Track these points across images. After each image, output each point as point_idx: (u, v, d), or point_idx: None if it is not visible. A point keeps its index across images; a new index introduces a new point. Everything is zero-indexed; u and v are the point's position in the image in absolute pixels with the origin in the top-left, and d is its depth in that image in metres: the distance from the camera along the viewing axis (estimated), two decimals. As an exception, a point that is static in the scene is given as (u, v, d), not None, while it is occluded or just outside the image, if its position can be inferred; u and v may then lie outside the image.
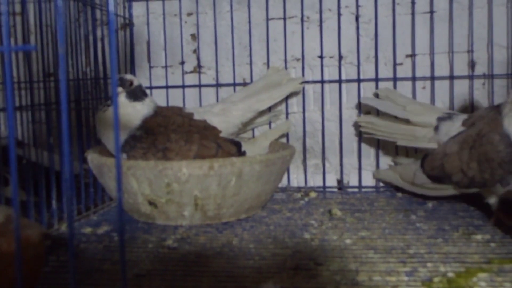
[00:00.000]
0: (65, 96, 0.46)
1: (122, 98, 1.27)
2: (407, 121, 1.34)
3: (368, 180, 1.51)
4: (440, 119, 1.26)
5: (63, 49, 0.47)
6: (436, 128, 1.26)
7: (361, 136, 1.48)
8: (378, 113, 1.44)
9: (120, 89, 1.26)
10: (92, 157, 1.20)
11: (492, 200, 1.15)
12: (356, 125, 1.48)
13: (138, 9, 1.60)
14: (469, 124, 1.19)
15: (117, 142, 0.50)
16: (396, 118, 1.37)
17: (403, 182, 1.36)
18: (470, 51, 1.45)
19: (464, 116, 1.23)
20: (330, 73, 1.52)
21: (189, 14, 1.58)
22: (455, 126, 1.22)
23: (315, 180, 1.54)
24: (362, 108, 1.49)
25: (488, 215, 1.16)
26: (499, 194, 1.13)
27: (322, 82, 1.51)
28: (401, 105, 1.35)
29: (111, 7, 0.51)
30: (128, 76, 1.29)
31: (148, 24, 1.59)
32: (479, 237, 1.03)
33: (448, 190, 1.23)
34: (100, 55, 1.39)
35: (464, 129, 1.19)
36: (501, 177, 1.08)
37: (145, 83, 1.54)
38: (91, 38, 1.36)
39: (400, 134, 1.34)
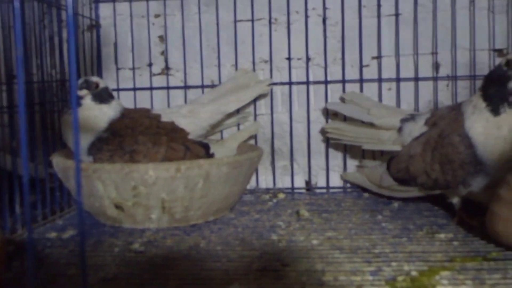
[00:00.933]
0: (23, 99, 0.45)
1: (88, 101, 1.25)
2: (372, 125, 1.35)
3: (336, 180, 1.52)
4: (404, 121, 1.28)
5: (20, 51, 0.46)
6: (400, 130, 1.28)
7: (329, 138, 1.49)
8: (345, 117, 1.46)
9: (85, 91, 1.25)
10: (58, 161, 1.18)
11: (455, 200, 1.17)
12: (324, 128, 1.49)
13: (105, 11, 1.58)
14: (431, 124, 1.21)
15: (77, 145, 0.49)
16: (362, 122, 1.39)
17: (371, 184, 1.38)
18: (434, 53, 1.47)
19: (426, 116, 1.25)
20: (298, 74, 1.53)
21: (157, 16, 1.57)
22: (417, 126, 1.24)
23: (283, 182, 1.55)
24: (329, 111, 1.50)
25: (451, 215, 1.18)
26: (462, 194, 1.15)
27: (290, 83, 1.52)
28: (366, 108, 1.37)
29: (70, 11, 0.51)
30: (94, 78, 1.28)
31: (115, 25, 1.57)
32: (442, 236, 1.04)
33: (414, 191, 1.25)
34: (66, 56, 1.38)
35: (426, 129, 1.21)
36: (463, 178, 1.10)
37: (112, 85, 1.53)
38: (56, 39, 1.34)
39: (366, 138, 1.36)
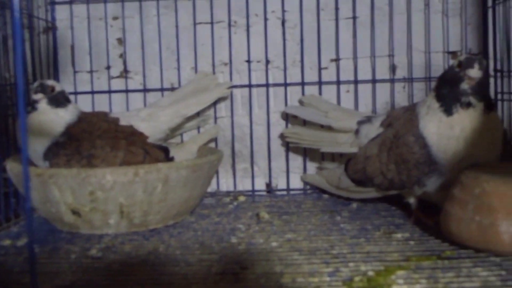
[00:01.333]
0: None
1: (43, 105, 1.23)
2: (330, 128, 1.37)
3: (296, 182, 1.53)
4: (360, 123, 1.30)
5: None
6: (357, 132, 1.29)
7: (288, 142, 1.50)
8: (304, 121, 1.47)
9: (40, 95, 1.23)
10: (12, 166, 1.15)
11: (411, 200, 1.19)
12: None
13: (61, 13, 1.55)
14: (387, 124, 1.23)
15: (25, 150, 0.48)
16: (321, 126, 1.40)
17: (329, 186, 1.39)
18: (391, 55, 1.50)
19: (382, 117, 1.27)
20: (258, 77, 1.53)
21: (115, 18, 1.56)
22: (374, 127, 1.26)
23: (244, 184, 1.55)
24: (288, 114, 1.51)
25: (408, 215, 1.20)
26: (417, 194, 1.17)
27: (249, 86, 1.53)
28: (324, 111, 1.38)
29: (17, 13, 0.50)
30: (50, 82, 1.26)
31: (72, 28, 1.55)
32: (399, 235, 1.06)
33: (371, 192, 1.27)
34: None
35: (382, 130, 1.23)
36: (417, 178, 1.13)
37: (69, 88, 1.50)
38: (10, 42, 1.31)
39: (324, 141, 1.37)
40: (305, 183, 1.52)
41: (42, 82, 1.25)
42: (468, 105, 1.06)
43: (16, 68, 0.46)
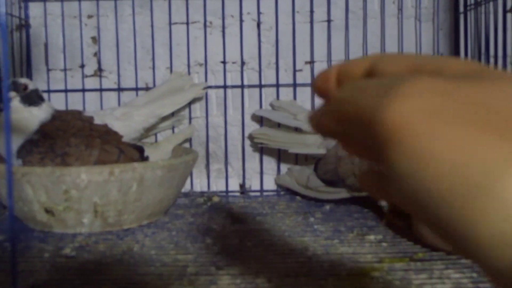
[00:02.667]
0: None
1: (16, 103, 1.22)
2: (299, 130, 1.39)
3: (270, 184, 1.54)
4: None
5: None
6: None
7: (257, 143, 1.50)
8: (279, 124, 1.48)
9: (13, 93, 1.21)
10: (-16, 164, 1.14)
11: (384, 203, 1.21)
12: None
13: (35, 10, 1.54)
14: None
15: (9, 147, 0.48)
16: (295, 129, 1.42)
17: (299, 186, 1.40)
18: (365, 59, 1.52)
19: None
20: (233, 78, 1.54)
21: (90, 17, 1.54)
22: None
23: (218, 185, 1.55)
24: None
25: (380, 217, 1.22)
26: None
27: (224, 87, 1.53)
28: (293, 114, 1.40)
29: (3, 9, 0.49)
30: (22, 80, 1.25)
31: (46, 25, 1.53)
32: (372, 237, 1.08)
33: (340, 193, 1.29)
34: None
35: None
36: None
37: (42, 86, 1.49)
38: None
39: (293, 142, 1.40)
40: (278, 185, 1.53)
41: (15, 80, 1.23)
42: None
43: (4, 67, 0.45)
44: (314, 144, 1.35)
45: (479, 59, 1.34)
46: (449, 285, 0.83)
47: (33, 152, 1.20)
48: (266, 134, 1.45)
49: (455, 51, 1.48)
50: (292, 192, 1.48)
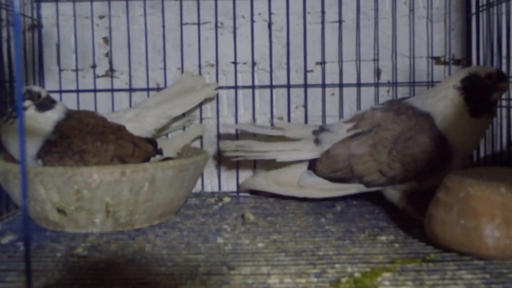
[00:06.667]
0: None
1: (32, 111, 1.24)
2: (282, 138, 1.39)
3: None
4: (317, 132, 1.34)
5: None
6: (317, 141, 1.33)
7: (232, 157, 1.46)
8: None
9: (29, 102, 1.23)
10: (-3, 164, 1.14)
11: (397, 196, 1.25)
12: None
13: (47, 10, 1.55)
14: (368, 126, 1.27)
15: (23, 149, 0.48)
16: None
17: (278, 186, 1.39)
18: (376, 59, 1.52)
19: (345, 124, 1.32)
20: (244, 79, 1.54)
21: (101, 17, 1.55)
22: (339, 134, 1.30)
23: (228, 185, 1.55)
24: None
25: (392, 217, 1.22)
26: (404, 189, 1.24)
27: (235, 88, 1.53)
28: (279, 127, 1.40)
29: (17, 9, 0.50)
30: (36, 88, 1.26)
31: (58, 26, 1.54)
32: (383, 238, 1.07)
33: (350, 189, 1.29)
34: (6, 57, 1.34)
35: (356, 132, 1.27)
36: (432, 172, 1.22)
37: (54, 86, 1.50)
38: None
39: (277, 150, 1.37)
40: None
41: (29, 89, 1.25)
42: (493, 113, 1.22)
43: (16, 69, 0.46)
44: (306, 149, 1.34)
45: (491, 60, 1.33)
46: (461, 286, 0.82)
47: (52, 152, 1.22)
48: (244, 146, 1.41)
49: (467, 52, 1.48)
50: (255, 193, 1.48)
